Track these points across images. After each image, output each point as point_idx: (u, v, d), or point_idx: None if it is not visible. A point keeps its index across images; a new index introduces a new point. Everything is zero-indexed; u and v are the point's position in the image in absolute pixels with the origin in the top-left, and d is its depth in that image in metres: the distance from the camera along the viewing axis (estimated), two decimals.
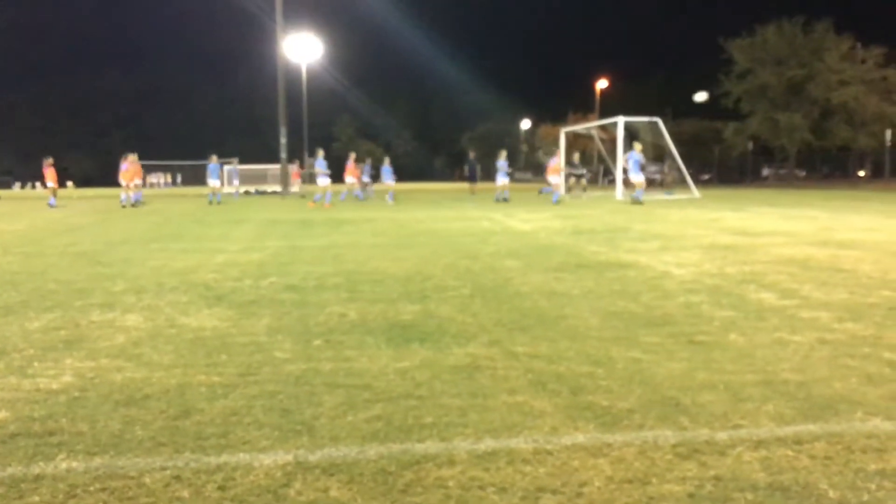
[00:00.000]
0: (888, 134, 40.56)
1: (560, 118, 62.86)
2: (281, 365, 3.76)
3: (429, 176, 75.07)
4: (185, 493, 2.30)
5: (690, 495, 2.25)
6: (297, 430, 2.82)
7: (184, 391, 3.33)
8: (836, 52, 44.98)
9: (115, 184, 26.65)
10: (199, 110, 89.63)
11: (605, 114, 49.17)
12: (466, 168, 34.79)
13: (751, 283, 6.10)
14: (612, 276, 6.56)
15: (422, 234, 11.44)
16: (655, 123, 25.38)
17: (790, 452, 2.56)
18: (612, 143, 26.42)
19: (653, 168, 41.22)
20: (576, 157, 28.26)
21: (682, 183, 28.19)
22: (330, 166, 21.85)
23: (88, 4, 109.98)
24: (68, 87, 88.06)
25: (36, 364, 3.81)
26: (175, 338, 4.38)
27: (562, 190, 24.07)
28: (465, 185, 37.01)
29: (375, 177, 29.11)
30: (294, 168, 36.93)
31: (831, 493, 2.25)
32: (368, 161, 31.16)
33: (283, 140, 38.03)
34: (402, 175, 27.57)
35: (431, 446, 2.66)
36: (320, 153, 22.11)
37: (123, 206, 22.08)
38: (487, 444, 2.67)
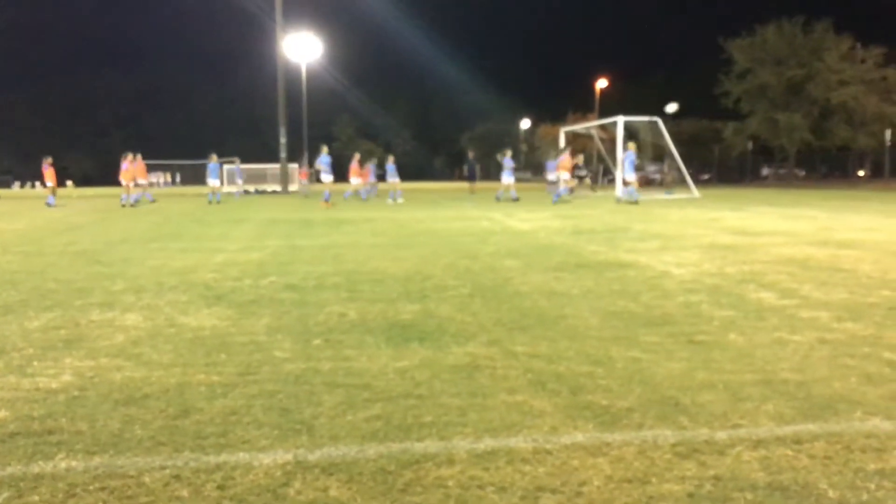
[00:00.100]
0: (888, 134, 40.58)
1: (560, 118, 62.92)
2: (280, 364, 3.76)
3: (428, 176, 75.09)
4: (185, 493, 2.29)
5: (690, 495, 2.25)
6: (297, 430, 2.82)
7: (183, 390, 3.33)
8: (836, 51, 45.03)
9: (115, 183, 26.73)
10: (198, 110, 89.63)
11: (604, 113, 49.17)
12: (466, 168, 34.81)
13: (750, 283, 6.10)
14: (612, 276, 6.56)
15: (421, 233, 11.44)
16: (655, 123, 25.38)
17: (790, 452, 2.56)
18: (611, 142, 26.41)
19: (652, 168, 41.30)
20: (580, 158, 28.23)
21: (681, 183, 28.20)
22: (332, 165, 21.87)
23: (88, 4, 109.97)
24: (68, 86, 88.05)
25: (35, 363, 3.81)
26: (174, 337, 4.38)
27: (562, 188, 24.03)
28: (464, 185, 37.03)
29: (381, 176, 29.10)
30: (302, 167, 36.87)
31: (831, 493, 2.25)
32: (375, 160, 31.19)
33: (282, 140, 38.11)
34: (402, 175, 27.53)
35: (431, 445, 2.66)
36: (324, 150, 22.12)
37: (123, 206, 22.08)
38: (487, 443, 2.67)
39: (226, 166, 37.22)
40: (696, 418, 2.91)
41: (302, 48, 48.14)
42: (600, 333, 4.36)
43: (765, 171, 57.35)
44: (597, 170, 42.63)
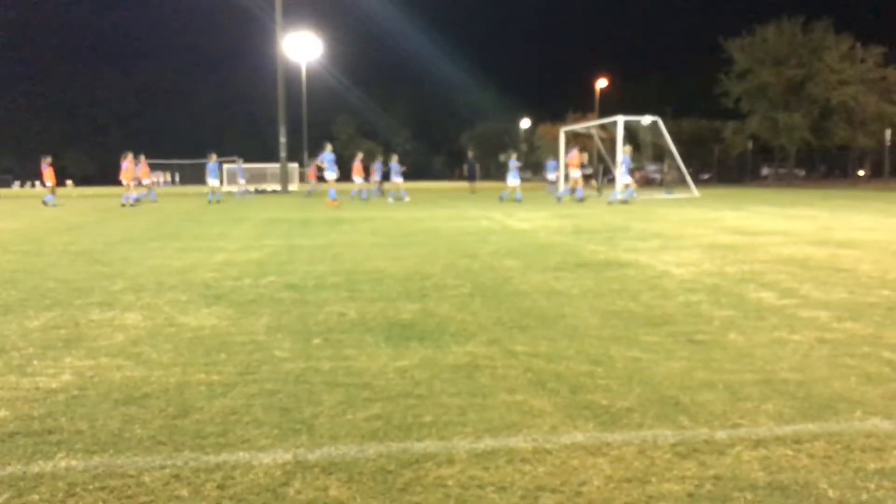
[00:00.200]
0: (887, 133, 40.57)
1: (559, 117, 62.97)
2: (280, 364, 3.75)
3: (428, 175, 75.09)
4: (185, 492, 2.29)
5: (690, 494, 2.25)
6: (297, 429, 2.82)
7: (183, 390, 3.33)
8: (836, 51, 45.04)
9: (115, 183, 26.76)
10: (198, 109, 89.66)
11: (604, 113, 49.19)
12: (466, 167, 34.84)
13: (750, 283, 6.10)
14: (612, 276, 6.56)
15: (421, 233, 11.44)
16: (655, 122, 25.38)
17: (789, 452, 2.56)
18: (611, 142, 26.41)
19: (652, 167, 41.33)
20: (584, 156, 28.21)
21: (681, 182, 28.21)
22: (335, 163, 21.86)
23: (88, 4, 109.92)
24: (68, 86, 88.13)
25: (35, 363, 3.81)
26: (174, 336, 4.38)
27: (561, 186, 24.03)
28: (464, 185, 37.03)
29: (386, 175, 29.07)
30: (311, 167, 36.84)
31: (830, 493, 2.25)
32: (380, 160, 31.18)
33: (282, 139, 38.11)
34: (402, 174, 27.51)
35: (431, 445, 2.65)
36: (328, 147, 22.14)
37: (123, 205, 22.07)
38: (487, 443, 2.67)
39: (228, 166, 37.28)
40: (695, 418, 2.91)
41: (302, 47, 48.11)
42: (600, 333, 4.36)
43: (765, 171, 57.37)
44: (596, 169, 42.64)
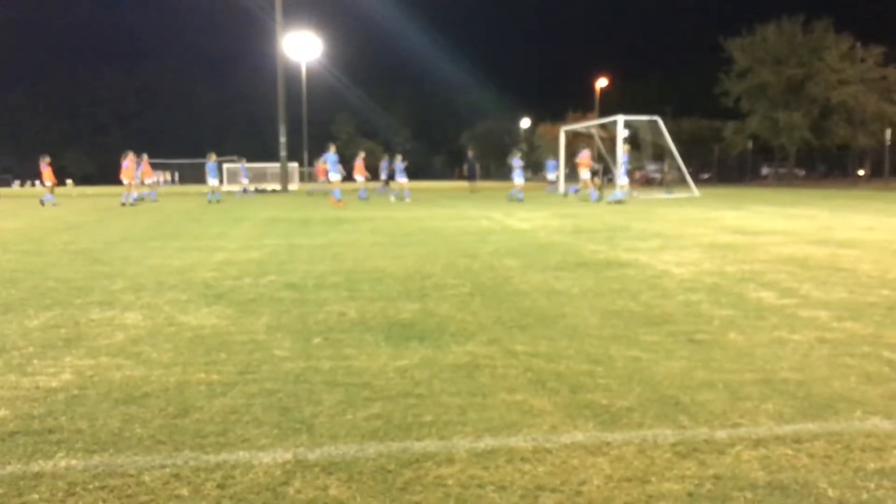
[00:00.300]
0: (887, 133, 40.57)
1: (559, 117, 62.93)
2: (280, 363, 3.76)
3: (428, 174, 75.10)
4: (185, 491, 2.29)
5: (689, 494, 2.25)
6: (297, 429, 2.82)
7: (183, 389, 3.33)
8: (836, 51, 45.04)
9: (115, 182, 26.76)
10: (198, 109, 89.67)
11: (604, 112, 49.21)
12: (466, 167, 34.83)
13: (750, 282, 6.10)
14: (612, 275, 6.56)
15: (421, 232, 11.44)
16: (655, 122, 25.38)
17: (789, 451, 2.56)
18: (611, 141, 26.41)
19: (653, 167, 41.32)
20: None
21: (681, 182, 28.20)
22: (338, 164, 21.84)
23: (88, 3, 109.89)
24: (68, 85, 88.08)
25: (35, 362, 3.81)
26: (174, 336, 4.38)
27: (561, 186, 23.99)
28: (464, 184, 37.02)
29: (392, 174, 29.03)
30: (318, 164, 36.82)
31: (830, 492, 2.25)
32: (386, 159, 31.15)
33: (282, 139, 38.11)
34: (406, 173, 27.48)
35: (431, 445, 2.66)
36: (332, 148, 22.17)
37: (123, 205, 22.07)
38: (487, 442, 2.67)
39: (230, 165, 37.30)
40: (695, 417, 2.91)
41: (302, 47, 48.12)
42: (600, 332, 4.36)
43: (765, 171, 57.37)
44: (596, 169, 42.61)
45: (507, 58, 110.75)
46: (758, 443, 2.64)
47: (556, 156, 32.48)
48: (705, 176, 54.77)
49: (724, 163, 56.10)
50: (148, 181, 26.91)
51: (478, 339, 4.22)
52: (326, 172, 29.25)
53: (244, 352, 3.99)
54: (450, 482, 2.34)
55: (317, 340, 4.23)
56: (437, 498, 2.24)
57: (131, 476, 2.41)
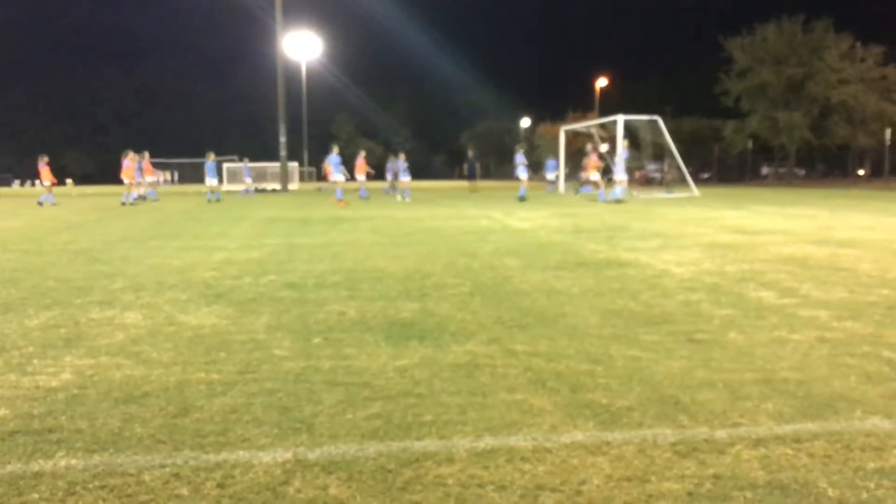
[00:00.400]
0: (887, 132, 40.56)
1: (559, 116, 63.00)
2: (280, 363, 3.76)
3: (428, 174, 75.09)
4: (185, 491, 2.30)
5: (689, 493, 2.25)
6: (297, 428, 2.82)
7: (183, 389, 3.33)
8: (836, 50, 45.03)
9: (115, 181, 26.77)
10: (198, 108, 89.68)
11: (604, 112, 49.21)
12: (466, 166, 34.81)
13: (750, 282, 6.10)
14: (612, 275, 6.56)
15: (421, 232, 11.44)
16: (655, 122, 25.38)
17: (789, 451, 2.56)
18: (611, 141, 26.40)
19: (652, 166, 41.31)
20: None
21: (681, 181, 28.20)
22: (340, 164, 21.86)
23: (89, 3, 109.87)
24: (68, 85, 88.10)
25: (35, 361, 3.81)
26: (174, 335, 4.38)
27: (561, 186, 23.95)
28: (464, 184, 37.02)
29: (396, 175, 29.00)
30: (326, 165, 36.85)
31: (830, 492, 2.25)
32: (392, 160, 31.15)
33: (282, 138, 38.11)
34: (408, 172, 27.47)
35: (431, 444, 2.66)
36: (335, 149, 22.19)
37: (123, 204, 22.07)
38: (487, 442, 2.67)
39: (232, 165, 37.31)
40: (695, 417, 2.91)
41: (302, 47, 48.08)
42: (600, 332, 4.36)
43: (764, 170, 57.37)
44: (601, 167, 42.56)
45: (507, 58, 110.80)
46: (758, 442, 2.64)
47: (556, 155, 32.47)
48: (705, 175, 54.77)
49: (724, 162, 56.10)
50: (149, 179, 26.93)
51: (478, 339, 4.22)
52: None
53: (244, 351, 3.99)
54: (450, 482, 2.34)
55: (317, 340, 4.23)
56: (437, 497, 2.24)
57: (131, 475, 2.41)
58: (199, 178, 37.09)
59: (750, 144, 51.82)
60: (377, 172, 29.59)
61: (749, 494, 2.24)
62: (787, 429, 2.77)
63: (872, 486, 2.30)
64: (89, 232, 12.12)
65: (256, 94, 79.48)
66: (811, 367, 3.60)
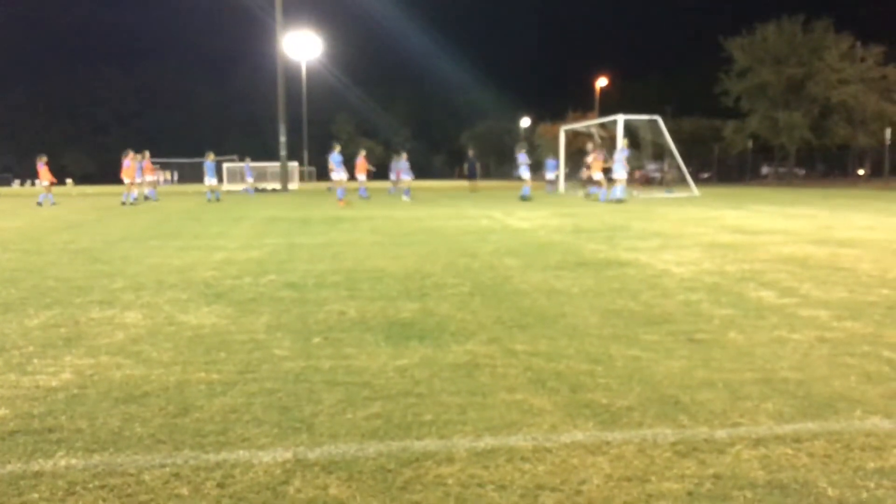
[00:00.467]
0: (887, 132, 40.56)
1: (559, 116, 63.00)
2: (280, 362, 3.76)
3: (428, 174, 75.09)
4: (185, 491, 2.30)
5: (689, 493, 2.25)
6: (297, 428, 2.82)
7: (183, 388, 3.33)
8: (836, 50, 45.04)
9: (115, 181, 26.79)
10: (198, 108, 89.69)
11: (604, 112, 49.20)
12: (466, 166, 34.81)
13: (750, 282, 6.10)
14: (612, 275, 6.56)
15: (421, 232, 11.44)
16: (655, 121, 25.38)
17: (789, 451, 2.57)
18: (611, 140, 26.40)
19: (652, 166, 41.31)
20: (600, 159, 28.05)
21: (681, 181, 28.20)
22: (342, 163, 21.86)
23: (89, 2, 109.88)
24: (68, 84, 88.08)
25: (35, 361, 3.81)
26: (174, 335, 4.38)
27: (561, 185, 23.91)
28: (464, 184, 37.02)
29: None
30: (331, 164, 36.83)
31: (830, 492, 2.25)
32: (395, 157, 31.14)
33: (282, 138, 38.12)
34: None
35: (431, 444, 2.66)
36: (337, 148, 22.17)
37: (123, 204, 22.06)
38: (487, 441, 2.67)
39: (232, 164, 37.31)
40: (695, 417, 2.91)
41: (302, 46, 48.08)
42: (600, 332, 4.36)
43: (764, 170, 57.39)
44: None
45: (507, 58, 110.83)
46: (757, 442, 2.64)
47: (555, 155, 32.46)
48: (705, 175, 54.80)
49: (724, 162, 56.12)
50: (150, 178, 26.96)
51: (478, 339, 4.22)
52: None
53: (244, 351, 3.99)
54: (450, 481, 2.34)
55: (317, 340, 4.23)
56: (437, 497, 2.24)
57: (131, 475, 2.41)
58: (200, 178, 37.14)
59: (750, 144, 51.83)
60: (380, 172, 29.57)
61: (749, 494, 2.24)
62: (787, 428, 2.77)
63: (872, 485, 2.30)
64: (89, 231, 12.12)
65: (256, 94, 79.48)
66: (811, 367, 3.60)
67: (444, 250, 8.67)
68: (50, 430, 2.81)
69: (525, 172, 23.56)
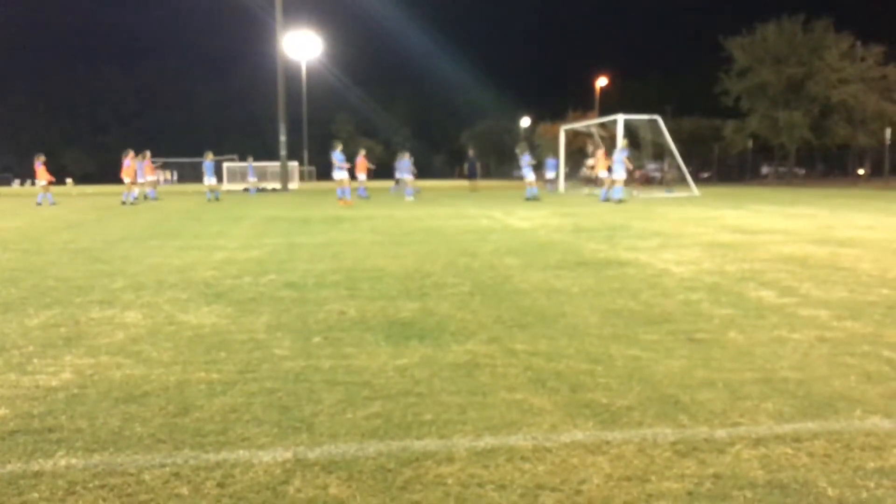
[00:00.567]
0: (888, 132, 40.54)
1: (559, 116, 62.98)
2: (280, 362, 3.76)
3: (428, 174, 75.05)
4: (185, 490, 2.30)
5: (689, 493, 2.25)
6: (297, 428, 2.82)
7: (183, 388, 3.33)
8: (836, 50, 44.99)
9: (115, 181, 26.79)
10: (198, 108, 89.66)
11: (604, 111, 49.21)
12: (466, 166, 34.81)
13: (750, 281, 6.10)
14: (612, 274, 6.56)
15: (421, 231, 11.43)
16: (655, 121, 25.37)
17: (789, 450, 2.57)
18: (611, 140, 26.41)
19: (652, 166, 41.31)
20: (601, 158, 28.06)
21: (681, 181, 28.20)
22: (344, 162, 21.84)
23: (89, 2, 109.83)
24: (68, 84, 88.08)
25: (35, 361, 3.81)
26: (174, 335, 4.38)
27: (561, 185, 23.88)
28: (464, 183, 37.01)
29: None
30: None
31: (830, 491, 2.25)
32: (399, 156, 31.12)
33: (282, 138, 38.11)
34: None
35: (430, 443, 2.66)
36: (338, 147, 22.15)
37: (124, 203, 22.06)
38: (487, 441, 2.67)
39: (232, 164, 37.32)
40: (695, 416, 2.91)
41: (302, 46, 48.07)
42: (600, 331, 4.36)
43: (765, 170, 57.36)
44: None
45: (507, 58, 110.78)
46: (757, 442, 2.64)
47: (555, 155, 32.47)
48: (705, 175, 54.79)
49: (724, 162, 56.10)
50: (150, 178, 26.99)
51: (478, 338, 4.22)
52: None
53: (244, 351, 3.99)
54: (450, 481, 2.34)
55: (317, 339, 4.23)
56: (437, 497, 2.24)
57: (131, 475, 2.41)
58: (199, 178, 37.14)
59: (750, 144, 51.80)
60: (384, 171, 29.52)
61: (749, 494, 2.24)
62: (787, 428, 2.77)
63: (872, 485, 2.30)
64: (89, 231, 12.12)
65: (256, 94, 79.46)
66: (811, 367, 3.60)
67: (444, 250, 8.67)
68: (50, 430, 2.81)
69: (529, 173, 23.53)
